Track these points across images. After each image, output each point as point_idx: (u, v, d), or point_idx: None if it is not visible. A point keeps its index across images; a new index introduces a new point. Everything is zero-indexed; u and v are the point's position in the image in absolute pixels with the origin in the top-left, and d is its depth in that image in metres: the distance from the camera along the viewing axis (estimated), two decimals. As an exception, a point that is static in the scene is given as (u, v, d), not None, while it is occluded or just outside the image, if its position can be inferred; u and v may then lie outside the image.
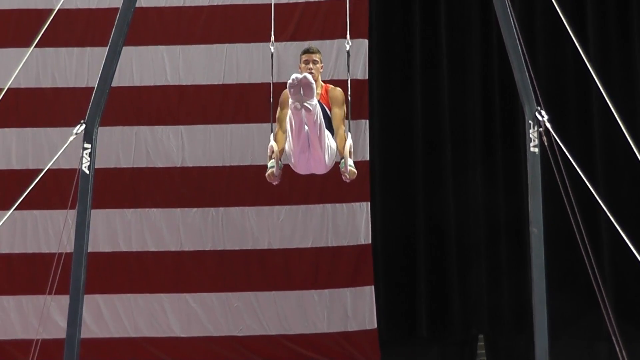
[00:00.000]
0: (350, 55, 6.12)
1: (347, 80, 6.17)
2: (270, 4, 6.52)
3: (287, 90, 5.72)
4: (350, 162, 5.90)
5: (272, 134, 5.99)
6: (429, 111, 9.36)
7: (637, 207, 9.08)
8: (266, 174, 6.00)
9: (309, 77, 5.47)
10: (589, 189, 5.70)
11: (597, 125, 9.17)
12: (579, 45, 6.01)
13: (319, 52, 6.12)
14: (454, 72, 9.37)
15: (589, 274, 5.71)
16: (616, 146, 8.93)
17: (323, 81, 6.29)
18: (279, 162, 5.95)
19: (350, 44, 6.21)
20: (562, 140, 5.62)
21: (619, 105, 6.19)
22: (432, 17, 9.42)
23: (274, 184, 6.03)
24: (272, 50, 6.12)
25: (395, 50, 9.44)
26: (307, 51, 6.11)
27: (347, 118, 6.08)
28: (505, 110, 9.25)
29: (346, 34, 6.23)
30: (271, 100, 6.04)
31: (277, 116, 6.04)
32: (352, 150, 5.92)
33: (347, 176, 5.92)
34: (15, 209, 6.16)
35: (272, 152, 5.93)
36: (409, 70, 9.40)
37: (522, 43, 5.72)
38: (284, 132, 5.96)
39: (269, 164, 5.97)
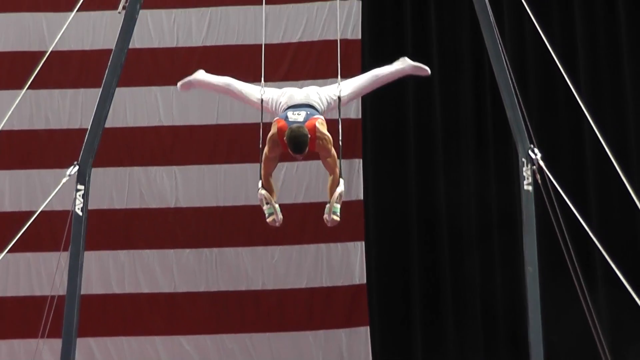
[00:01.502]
0: (341, 99, 6.01)
1: (340, 119, 6.10)
2: (261, 45, 6.53)
3: (275, 132, 5.70)
4: (336, 209, 5.78)
5: (259, 182, 5.83)
6: (422, 133, 9.32)
7: (630, 242, 9.06)
8: (267, 221, 5.87)
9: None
10: (582, 224, 5.69)
11: (589, 159, 9.18)
12: (570, 81, 6.03)
13: (305, 147, 5.72)
14: (445, 70, 9.35)
15: (584, 308, 5.69)
16: (609, 180, 8.94)
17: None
18: (275, 205, 5.86)
19: (341, 87, 6.07)
20: (555, 176, 5.63)
21: (611, 140, 6.21)
22: (422, 16, 9.42)
23: (277, 225, 5.92)
24: (262, 93, 6.04)
25: (387, 49, 9.42)
26: (294, 151, 5.73)
27: (338, 157, 5.95)
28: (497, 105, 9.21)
29: (335, 75, 6.17)
30: (260, 146, 5.91)
31: (262, 157, 5.84)
32: (341, 197, 5.80)
33: (329, 224, 5.81)
34: (7, 252, 6.13)
35: (264, 199, 5.81)
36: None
37: (514, 80, 5.75)
38: (270, 174, 5.88)
39: (266, 211, 5.83)
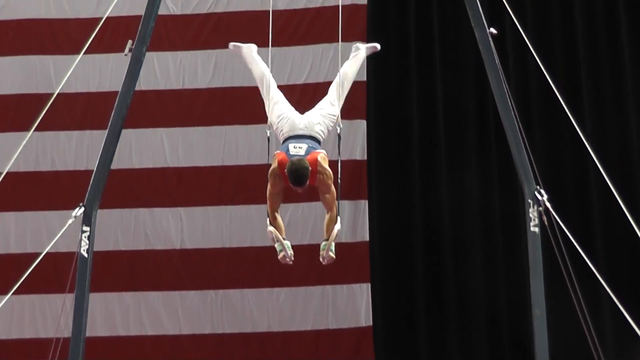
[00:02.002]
0: (341, 138, 6.00)
1: (344, 160, 6.12)
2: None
3: (276, 167, 5.71)
4: (332, 247, 5.77)
5: (267, 219, 5.82)
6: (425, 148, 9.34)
7: (637, 282, 9.01)
8: (279, 258, 5.85)
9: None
10: (590, 266, 5.67)
11: (595, 199, 9.16)
12: (575, 121, 6.04)
13: (306, 180, 5.71)
14: (449, 70, 9.36)
15: (592, 349, 5.65)
16: (615, 220, 8.90)
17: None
18: (285, 241, 5.84)
19: (341, 126, 6.05)
20: (561, 216, 5.61)
21: (617, 179, 6.20)
22: (426, 15, 9.45)
23: (289, 262, 5.88)
24: (269, 134, 6.06)
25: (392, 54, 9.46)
26: (295, 184, 5.74)
27: (337, 197, 5.91)
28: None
29: (345, 115, 6.21)
30: (268, 188, 5.91)
31: (267, 194, 5.84)
32: (338, 235, 5.78)
33: (325, 261, 5.80)
34: (12, 294, 6.11)
35: (274, 237, 5.79)
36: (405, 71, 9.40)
37: (519, 121, 5.75)
38: (276, 210, 5.88)
39: (277, 247, 5.82)
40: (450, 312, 9.22)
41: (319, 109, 6.08)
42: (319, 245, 5.87)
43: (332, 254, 5.78)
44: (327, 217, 5.87)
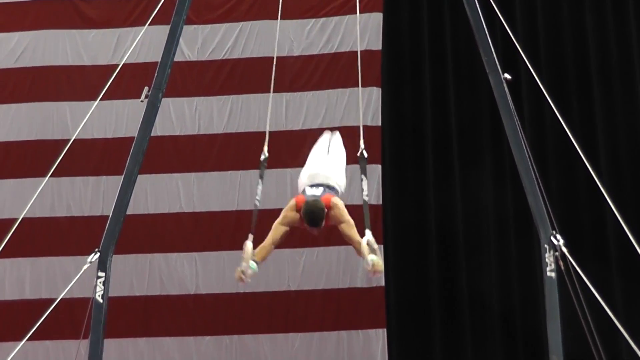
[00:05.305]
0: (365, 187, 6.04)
1: (360, 204, 6.09)
2: (282, 131, 6.59)
3: (293, 204, 5.74)
4: (374, 258, 5.59)
5: (250, 235, 5.81)
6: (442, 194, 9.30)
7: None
8: (235, 275, 5.74)
9: None
10: (607, 311, 5.62)
11: (612, 243, 9.10)
12: (590, 166, 6.03)
13: (322, 221, 5.76)
14: (461, 73, 9.34)
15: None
16: (632, 264, 8.83)
17: None
18: (251, 262, 5.74)
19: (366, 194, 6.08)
20: (577, 262, 5.58)
21: (633, 225, 6.16)
22: (438, 17, 9.46)
23: (241, 284, 5.80)
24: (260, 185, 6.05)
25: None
26: (310, 224, 5.77)
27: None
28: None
29: (357, 161, 6.23)
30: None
31: (273, 225, 5.85)
32: (371, 243, 5.62)
33: (373, 272, 5.63)
34: (27, 340, 6.10)
35: (245, 252, 5.74)
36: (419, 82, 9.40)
37: (535, 167, 5.75)
38: (273, 243, 5.83)
39: (241, 264, 5.74)
40: (465, 330, 9.11)
41: (338, 165, 6.13)
42: (333, 290, 5.87)
43: (376, 260, 5.58)
44: (355, 248, 5.80)
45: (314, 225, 5.71)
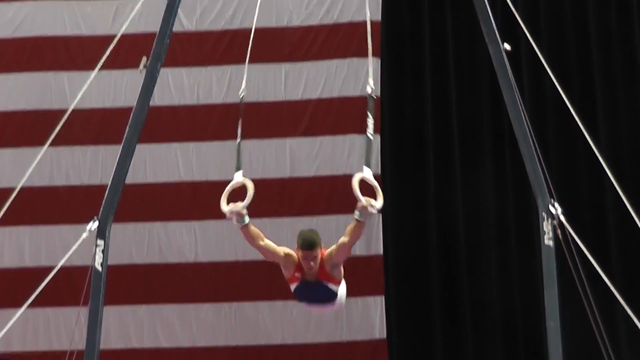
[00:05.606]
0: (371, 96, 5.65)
1: (358, 177, 5.87)
2: (283, 101, 6.58)
3: (290, 257, 5.45)
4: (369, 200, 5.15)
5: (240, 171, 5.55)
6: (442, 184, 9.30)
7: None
8: (229, 207, 5.46)
9: None
10: (605, 280, 5.65)
11: (610, 212, 9.13)
12: (589, 135, 6.04)
13: (317, 244, 5.44)
14: (463, 80, 9.37)
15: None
16: (630, 234, 8.87)
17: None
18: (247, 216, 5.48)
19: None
20: (575, 230, 5.60)
21: (631, 194, 6.18)
22: (440, 19, 9.47)
23: (229, 215, 5.51)
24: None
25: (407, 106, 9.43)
26: (304, 247, 5.44)
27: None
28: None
29: (357, 131, 6.18)
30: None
31: (267, 242, 5.64)
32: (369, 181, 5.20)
33: (368, 208, 5.16)
34: (27, 307, 6.14)
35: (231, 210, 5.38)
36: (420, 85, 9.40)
37: (533, 135, 5.75)
38: (264, 244, 5.58)
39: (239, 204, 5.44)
40: (465, 322, 9.18)
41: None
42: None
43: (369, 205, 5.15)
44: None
45: (309, 248, 5.36)
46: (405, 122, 9.46)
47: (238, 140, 5.61)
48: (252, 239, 5.59)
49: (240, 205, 5.50)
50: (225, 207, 5.52)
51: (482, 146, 9.36)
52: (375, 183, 5.28)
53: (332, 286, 5.51)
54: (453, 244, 9.29)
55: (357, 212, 5.27)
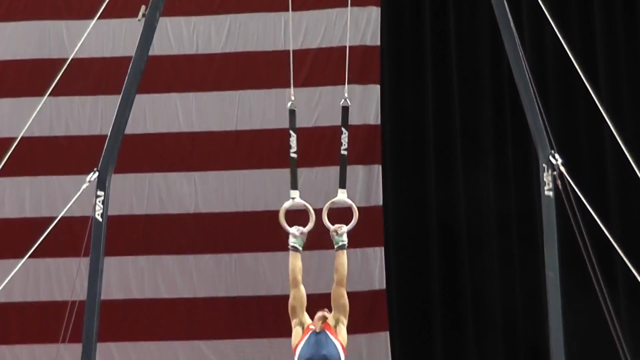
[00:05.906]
0: (346, 107, 5.93)
1: (358, 124, 6.06)
2: (282, 51, 6.55)
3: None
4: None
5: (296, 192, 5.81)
6: (441, 120, 9.28)
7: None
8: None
9: None
10: (604, 230, 5.66)
11: (610, 165, 9.13)
12: (590, 86, 6.01)
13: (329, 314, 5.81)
14: (464, 71, 9.34)
15: (605, 316, 5.66)
16: (630, 185, 8.88)
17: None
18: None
19: (347, 97, 5.97)
20: (575, 181, 5.60)
21: (631, 144, 6.18)
22: (442, 18, 9.42)
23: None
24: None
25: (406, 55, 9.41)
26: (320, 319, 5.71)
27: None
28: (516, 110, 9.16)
29: (358, 80, 6.18)
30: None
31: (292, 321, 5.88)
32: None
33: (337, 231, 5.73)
34: (28, 257, 6.16)
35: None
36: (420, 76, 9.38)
37: (534, 86, 5.73)
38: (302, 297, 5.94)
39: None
40: (464, 276, 9.22)
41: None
42: (333, 209, 5.90)
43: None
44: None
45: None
46: (406, 116, 9.42)
47: (292, 154, 5.76)
48: (294, 267, 6.08)
49: (305, 229, 5.88)
50: (285, 224, 5.88)
51: (484, 141, 9.32)
52: (349, 202, 5.79)
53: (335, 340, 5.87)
54: (454, 234, 9.29)
55: (335, 240, 5.81)
